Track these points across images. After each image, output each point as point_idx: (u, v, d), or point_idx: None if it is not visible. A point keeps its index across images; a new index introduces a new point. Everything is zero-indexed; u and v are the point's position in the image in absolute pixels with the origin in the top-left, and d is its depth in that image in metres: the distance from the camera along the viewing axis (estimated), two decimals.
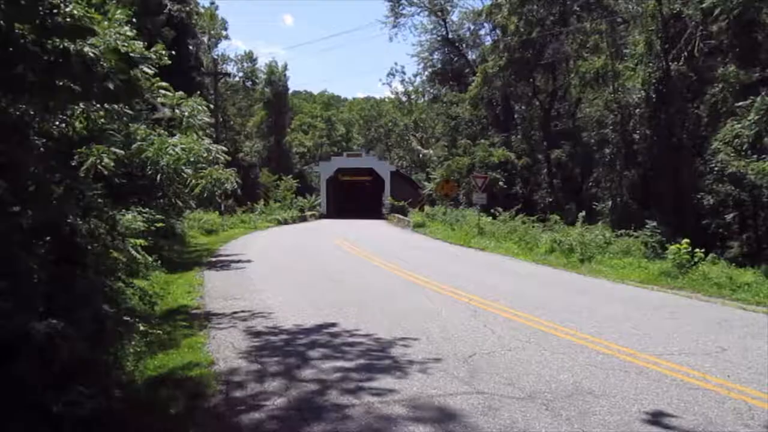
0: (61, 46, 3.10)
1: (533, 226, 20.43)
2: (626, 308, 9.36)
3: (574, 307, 9.32)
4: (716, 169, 19.27)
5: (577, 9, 33.05)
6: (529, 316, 8.68)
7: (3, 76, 3.07)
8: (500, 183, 31.79)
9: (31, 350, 3.16)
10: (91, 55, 3.59)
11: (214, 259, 16.86)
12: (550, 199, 32.98)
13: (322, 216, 42.14)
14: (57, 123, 6.01)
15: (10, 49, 3.10)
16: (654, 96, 23.70)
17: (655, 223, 15.90)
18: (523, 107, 38.17)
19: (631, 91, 25.35)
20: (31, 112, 4.44)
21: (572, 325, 8.07)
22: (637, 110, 25.33)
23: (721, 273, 11.61)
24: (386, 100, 75.75)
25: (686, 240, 12.62)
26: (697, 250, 12.46)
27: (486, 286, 11.48)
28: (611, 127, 26.84)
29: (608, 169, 27.55)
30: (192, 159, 13.78)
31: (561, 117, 35.49)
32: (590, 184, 31.58)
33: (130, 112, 10.43)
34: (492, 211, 24.21)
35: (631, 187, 26.20)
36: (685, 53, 22.57)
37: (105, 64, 3.51)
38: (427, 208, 35.13)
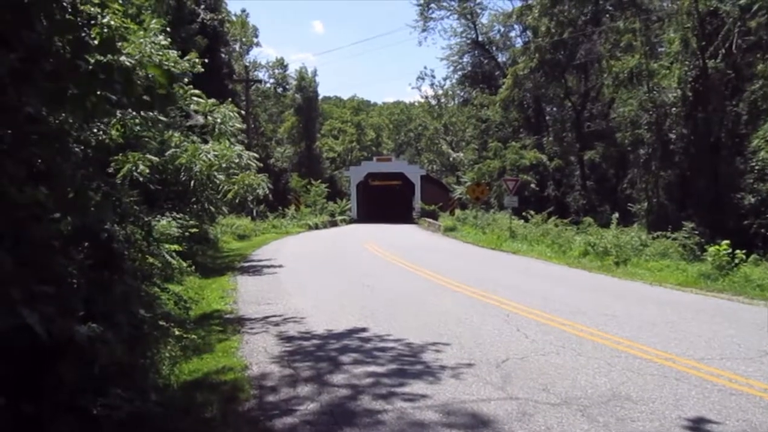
0: (104, 60, 3.19)
1: (566, 229, 20.33)
2: (664, 312, 9.19)
3: (609, 311, 9.19)
4: (757, 167, 19.01)
5: (610, 8, 32.79)
6: (563, 320, 8.57)
7: (46, 89, 3.18)
8: (532, 185, 31.69)
9: (74, 353, 3.24)
10: (128, 64, 3.69)
11: (246, 264, 16.99)
12: (584, 201, 32.67)
13: (352, 221, 42.39)
14: (95, 131, 6.18)
15: (51, 60, 3.21)
16: (691, 94, 23.40)
17: (692, 225, 15.69)
18: (554, 109, 38.03)
19: (667, 90, 25.04)
20: (70, 121, 4.56)
21: (608, 329, 7.96)
22: (673, 109, 24.99)
23: (764, 274, 11.31)
24: (416, 104, 76.30)
25: (726, 241, 12.35)
26: (738, 251, 12.19)
27: (518, 290, 11.39)
28: (646, 127, 26.57)
29: (643, 169, 27.34)
30: (224, 165, 14.05)
31: (594, 118, 35.07)
32: (625, 185, 31.24)
33: (165, 119, 10.73)
34: (524, 214, 24.06)
35: (667, 188, 25.91)
36: (723, 50, 22.24)
37: (142, 73, 3.61)
38: (457, 211, 34.98)
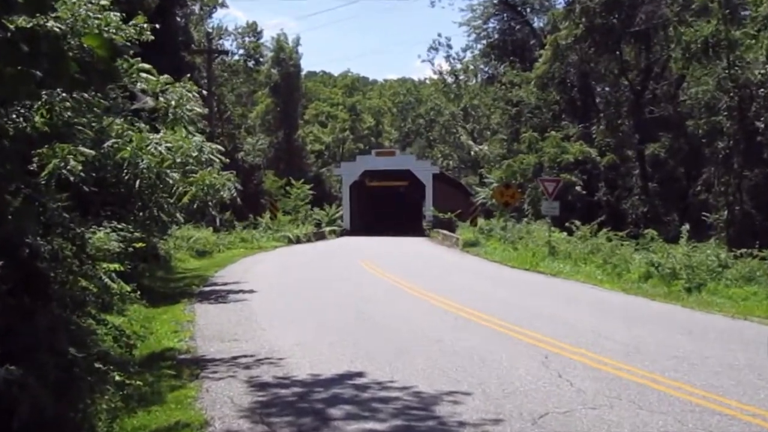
0: (26, 26, 3.20)
1: (622, 244, 20.42)
2: (750, 354, 9.23)
3: (678, 353, 9.25)
4: None
5: None
6: (618, 363, 8.62)
7: None
8: (577, 188, 31.64)
9: None
10: (57, 31, 3.70)
11: (207, 289, 17.09)
12: (644, 209, 32.80)
13: (344, 232, 42.87)
14: (13, 117, 6.19)
15: None
16: None
17: None
18: (606, 89, 37.92)
19: (752, 66, 25.08)
20: None
21: (677, 375, 8.02)
22: (761, 90, 25.09)
23: None
24: (427, 81, 76.37)
25: None
26: None
27: (560, 323, 11.47)
28: (725, 114, 26.66)
29: (723, 168, 27.47)
30: (180, 160, 14.13)
31: (657, 101, 35.24)
32: (698, 188, 31.42)
33: (104, 102, 10.81)
34: (567, 224, 24.27)
35: (753, 192, 26.00)
36: None
37: (75, 43, 3.62)
38: (480, 221, 35.06)
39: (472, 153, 55.88)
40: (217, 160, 15.70)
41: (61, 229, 6.29)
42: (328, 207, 45.49)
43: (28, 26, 3.23)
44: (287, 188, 44.32)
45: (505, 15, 47.02)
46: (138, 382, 7.15)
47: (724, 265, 15.73)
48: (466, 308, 13.03)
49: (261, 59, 59.99)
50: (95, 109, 10.20)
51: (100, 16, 9.75)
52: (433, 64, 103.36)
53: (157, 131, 14.22)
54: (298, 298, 15.02)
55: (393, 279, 18.43)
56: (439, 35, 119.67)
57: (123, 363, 7.57)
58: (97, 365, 6.06)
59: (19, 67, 3.25)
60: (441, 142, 67.69)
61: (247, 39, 59.54)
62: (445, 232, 36.16)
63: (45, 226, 5.83)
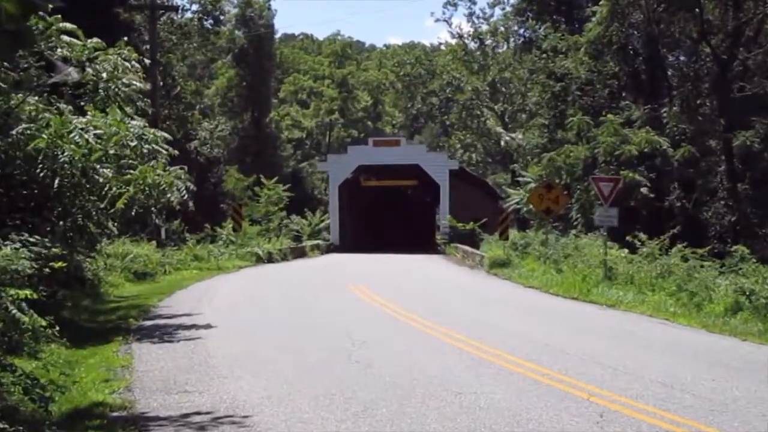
0: None
1: (702, 266, 20.41)
2: None
3: None
4: None
5: None
6: (698, 425, 8.58)
7: None
8: (642, 190, 31.59)
9: None
10: None
11: (149, 324, 17.08)
12: (733, 218, 32.73)
13: (331, 248, 43.21)
14: None
15: None
16: None
17: None
18: (681, 59, 38.13)
19: None
20: None
21: None
22: None
23: None
24: (442, 48, 76.72)
25: None
26: None
27: (619, 370, 11.49)
28: None
29: None
30: (113, 152, 14.13)
31: (750, 74, 35.18)
32: None
33: (12, 74, 10.79)
34: (628, 238, 24.23)
35: None
36: None
37: None
38: (513, 233, 35.21)
39: (502, 143, 56.48)
40: (163, 152, 15.69)
41: None
42: (310, 214, 45.31)
43: None
44: (256, 189, 44.55)
45: None
46: None
47: None
48: (493, 350, 13.05)
49: (222, 18, 59.67)
50: (0, 84, 10.20)
51: None
52: (450, 25, 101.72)
53: (84, 113, 14.21)
54: (269, 335, 15.05)
55: (393, 309, 18.50)
56: None
57: (36, 422, 7.52)
58: (1, 425, 5.99)
59: None
60: (461, 129, 67.51)
61: None
62: (466, 248, 36.08)
63: None
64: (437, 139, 69.24)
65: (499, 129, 58.63)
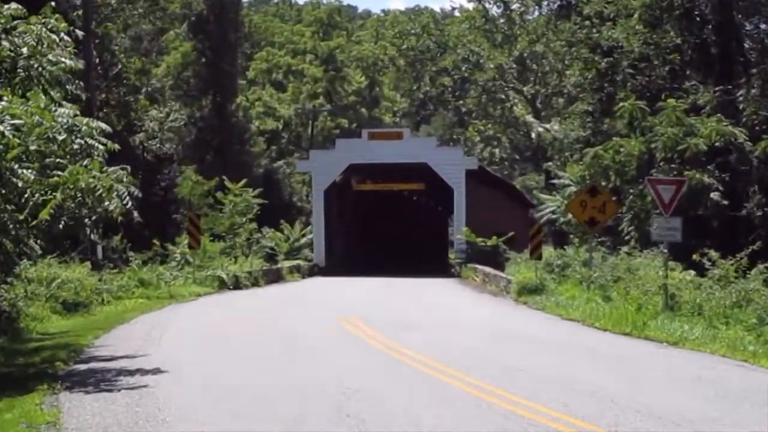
0: None
1: None
2: None
3: None
4: None
5: None
6: None
7: None
8: (713, 195, 31.60)
9: None
10: None
11: (82, 368, 17.00)
12: None
13: (315, 270, 43.70)
14: None
15: None
16: None
17: None
18: (762, 26, 38.40)
19: None
20: None
21: None
22: None
23: None
24: (456, 14, 77.90)
25: None
26: None
27: None
28: None
29: None
30: (35, 147, 13.92)
31: None
32: None
33: None
34: (695, 257, 24.12)
35: None
36: None
37: None
38: (547, 250, 35.45)
39: (533, 135, 56.39)
40: (100, 148, 15.53)
41: None
42: (287, 227, 45.67)
43: None
44: (218, 195, 44.55)
45: None
46: None
47: None
48: (526, 402, 12.93)
49: None
50: None
51: None
52: None
53: None
54: (233, 383, 14.95)
55: (399, 353, 18.48)
56: None
57: None
58: None
59: None
60: (480, 117, 66.90)
61: None
62: (488, 269, 36.16)
63: None
64: (450, 130, 69.12)
65: (530, 117, 58.53)
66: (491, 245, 39.74)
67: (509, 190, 50.63)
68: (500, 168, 60.68)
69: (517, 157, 63.24)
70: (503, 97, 63.79)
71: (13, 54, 15.02)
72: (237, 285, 35.32)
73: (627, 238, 31.77)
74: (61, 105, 15.26)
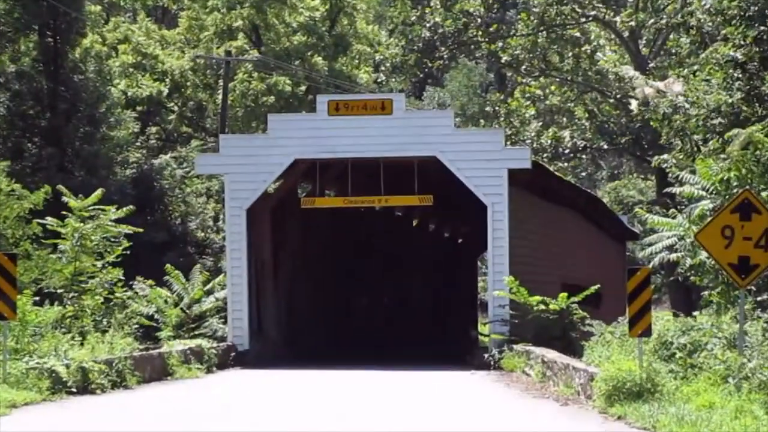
0: None
1: None
2: None
3: None
4: None
5: None
6: None
7: None
8: None
9: None
10: None
11: None
12: None
13: (231, 357, 35.95)
14: None
15: None
16: None
17: None
18: None
19: None
20: None
21: None
22: None
23: None
24: None
25: None
26: None
27: None
28: None
29: None
30: None
31: None
32: None
33: None
34: None
35: None
36: None
37: None
38: (661, 318, 30.13)
39: (634, 104, 45.03)
40: None
41: None
42: (177, 278, 37.14)
43: None
44: (51, 220, 35.71)
45: None
46: None
47: None
48: None
49: None
50: None
51: None
52: None
53: None
54: None
55: None
56: None
57: None
58: None
59: None
60: (536, 71, 55.72)
61: None
62: (551, 354, 30.42)
63: None
64: (480, 97, 57.93)
65: (628, 70, 44.65)
66: (554, 308, 32.06)
67: (590, 207, 41.21)
68: (573, 166, 52.13)
69: (605, 145, 51.23)
70: (577, 34, 51.62)
71: None
72: (85, 386, 27.68)
73: None
74: None
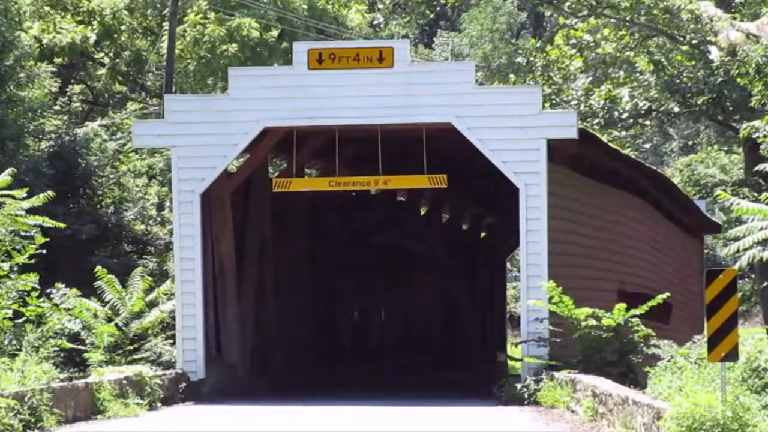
0: None
1: None
2: None
3: None
4: None
5: None
6: None
7: None
8: None
9: None
10: None
11: None
12: None
13: (180, 389, 32.61)
14: None
15: None
16: None
17: None
18: None
19: None
20: None
21: None
22: None
23: None
24: None
25: None
26: None
27: None
28: None
29: None
30: None
31: None
32: None
33: None
34: None
35: None
36: None
37: None
38: (751, 337, 25.65)
39: (715, 54, 41.60)
40: None
41: None
42: (112, 284, 33.51)
43: None
44: None
45: None
46: None
47: None
48: None
49: None
50: None
51: None
52: None
53: None
54: None
55: None
56: None
57: None
58: None
59: None
60: (583, 8, 50.99)
61: None
62: (605, 384, 25.51)
63: None
64: (508, 45, 53.21)
65: (708, 6, 39.91)
66: (612, 325, 28.30)
67: (656, 190, 37.47)
68: (633, 135, 47.48)
69: (675, 107, 46.40)
70: None
71: None
72: None
73: None
74: None
